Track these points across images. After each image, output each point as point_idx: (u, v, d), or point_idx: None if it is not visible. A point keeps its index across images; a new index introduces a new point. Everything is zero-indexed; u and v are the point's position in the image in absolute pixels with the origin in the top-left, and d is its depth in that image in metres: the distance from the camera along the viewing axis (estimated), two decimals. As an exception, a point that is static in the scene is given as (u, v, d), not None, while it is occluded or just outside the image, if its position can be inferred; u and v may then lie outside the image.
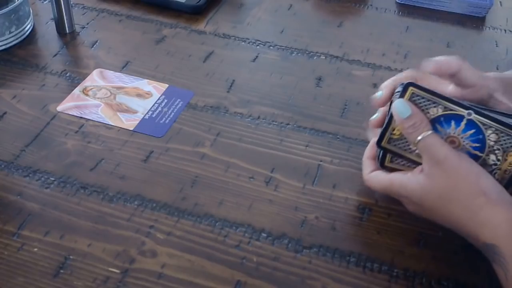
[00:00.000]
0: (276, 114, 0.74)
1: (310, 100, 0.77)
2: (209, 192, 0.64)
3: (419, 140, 0.55)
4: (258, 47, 0.86)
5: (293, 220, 0.61)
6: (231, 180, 0.65)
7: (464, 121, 0.56)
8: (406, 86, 0.57)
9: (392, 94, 0.60)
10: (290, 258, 0.58)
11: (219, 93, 0.77)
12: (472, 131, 0.56)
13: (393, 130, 0.58)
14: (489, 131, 0.56)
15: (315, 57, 0.84)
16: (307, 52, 0.85)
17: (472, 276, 0.53)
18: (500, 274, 0.50)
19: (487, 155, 0.56)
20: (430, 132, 0.55)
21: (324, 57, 0.84)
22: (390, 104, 0.59)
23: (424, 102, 0.57)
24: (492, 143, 0.56)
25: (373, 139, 0.62)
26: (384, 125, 0.58)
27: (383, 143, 0.59)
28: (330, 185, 0.65)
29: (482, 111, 0.56)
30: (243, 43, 0.87)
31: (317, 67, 0.82)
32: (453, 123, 0.56)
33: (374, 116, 0.62)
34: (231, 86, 0.78)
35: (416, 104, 0.57)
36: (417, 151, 0.57)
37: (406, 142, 0.58)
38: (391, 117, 0.58)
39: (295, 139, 0.71)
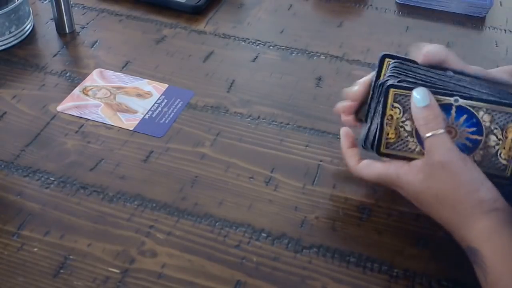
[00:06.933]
0: (276, 114, 0.74)
1: (310, 100, 0.77)
2: (209, 192, 0.64)
3: (428, 136, 0.55)
4: (258, 47, 0.86)
5: (293, 220, 0.61)
6: (231, 180, 0.65)
7: (454, 109, 0.56)
8: (387, 89, 0.57)
9: (368, 92, 0.61)
10: (290, 258, 0.58)
11: (219, 93, 0.77)
12: (464, 116, 0.56)
13: (388, 134, 0.58)
14: (481, 113, 0.56)
15: (315, 57, 0.84)
16: (307, 52, 0.85)
17: (472, 276, 0.53)
18: (480, 276, 0.52)
19: (487, 136, 0.56)
20: (441, 131, 0.55)
21: (324, 57, 0.84)
22: (381, 106, 0.58)
23: (409, 100, 0.57)
24: (487, 124, 0.56)
25: (344, 128, 0.63)
26: (378, 132, 0.58)
27: (382, 150, 0.59)
28: (330, 185, 0.65)
29: (468, 94, 0.56)
30: (243, 43, 0.87)
31: (317, 67, 0.82)
32: (444, 113, 0.56)
33: (344, 102, 0.63)
34: (231, 86, 0.78)
35: (401, 104, 0.57)
36: (417, 150, 0.57)
37: (404, 143, 0.58)
38: (382, 121, 0.58)
39: (295, 139, 0.71)
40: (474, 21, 0.94)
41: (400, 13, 0.95)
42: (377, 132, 0.58)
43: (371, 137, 0.59)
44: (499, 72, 0.63)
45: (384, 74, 0.60)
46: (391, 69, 0.59)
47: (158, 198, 0.63)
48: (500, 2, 0.99)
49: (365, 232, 0.61)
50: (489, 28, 0.93)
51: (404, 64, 0.60)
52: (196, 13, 0.92)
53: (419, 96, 0.56)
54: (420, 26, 0.92)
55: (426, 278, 0.57)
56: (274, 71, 0.81)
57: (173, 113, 0.73)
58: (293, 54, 0.85)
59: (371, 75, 0.62)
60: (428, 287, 0.56)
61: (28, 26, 0.85)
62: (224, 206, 0.62)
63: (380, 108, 0.58)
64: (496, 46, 0.89)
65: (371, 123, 0.60)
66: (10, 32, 0.82)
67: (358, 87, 0.62)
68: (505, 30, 0.93)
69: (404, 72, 0.59)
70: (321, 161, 0.68)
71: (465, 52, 0.86)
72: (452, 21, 0.94)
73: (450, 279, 0.57)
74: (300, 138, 0.71)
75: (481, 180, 0.54)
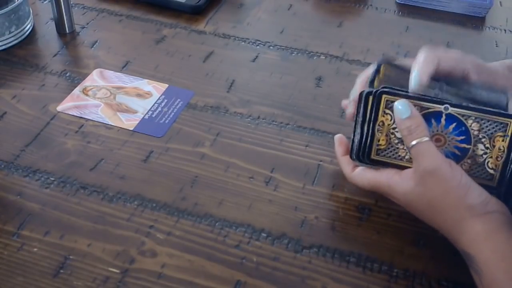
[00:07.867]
0: (276, 114, 0.74)
1: (310, 100, 0.77)
2: (209, 192, 0.64)
3: (413, 145, 0.55)
4: (258, 47, 0.86)
5: (293, 220, 0.61)
6: (231, 180, 0.65)
7: (444, 117, 0.57)
8: (379, 95, 0.57)
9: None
10: (290, 258, 0.58)
11: (219, 93, 0.77)
12: (454, 124, 0.57)
13: (379, 140, 0.59)
14: (470, 121, 0.56)
15: (315, 57, 0.84)
16: (307, 52, 0.85)
17: (472, 276, 0.53)
18: (476, 280, 0.52)
19: (475, 145, 0.57)
20: (426, 138, 0.55)
21: (324, 57, 0.84)
22: (370, 115, 0.58)
23: None
24: (476, 132, 0.57)
25: (338, 136, 0.63)
26: (369, 138, 0.59)
27: (372, 156, 0.59)
28: (330, 185, 0.65)
29: (458, 103, 0.56)
30: (243, 43, 0.87)
31: (317, 67, 0.82)
32: (433, 121, 0.57)
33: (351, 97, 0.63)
34: (231, 86, 0.78)
35: (393, 110, 0.57)
36: (407, 157, 0.58)
37: (394, 149, 0.58)
38: (374, 127, 0.58)
39: (295, 139, 0.71)
40: (474, 21, 0.94)
41: (400, 13, 0.95)
42: (364, 140, 0.59)
43: (355, 149, 0.60)
44: (498, 66, 0.63)
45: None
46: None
47: (158, 198, 0.63)
48: (500, 2, 0.99)
49: (365, 232, 0.61)
50: (489, 28, 0.93)
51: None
52: (196, 13, 0.92)
53: (401, 107, 0.56)
54: (420, 26, 0.92)
55: (426, 278, 0.57)
56: (274, 71, 0.81)
57: (173, 113, 0.74)
58: (293, 54, 0.85)
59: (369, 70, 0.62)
60: (428, 287, 0.56)
61: (28, 26, 0.86)
62: (224, 206, 0.62)
63: (360, 118, 0.59)
64: (496, 46, 0.89)
65: (353, 135, 0.60)
66: (10, 32, 0.82)
67: (357, 86, 0.63)
68: (505, 30, 0.93)
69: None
70: (321, 161, 0.68)
71: (465, 52, 0.86)
72: (452, 21, 0.94)
73: (450, 279, 0.57)
74: (300, 138, 0.71)
75: (470, 185, 0.54)
